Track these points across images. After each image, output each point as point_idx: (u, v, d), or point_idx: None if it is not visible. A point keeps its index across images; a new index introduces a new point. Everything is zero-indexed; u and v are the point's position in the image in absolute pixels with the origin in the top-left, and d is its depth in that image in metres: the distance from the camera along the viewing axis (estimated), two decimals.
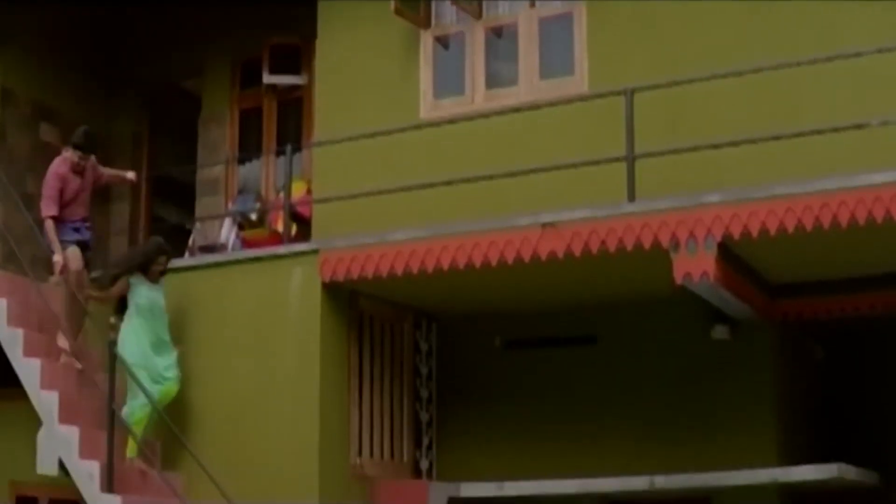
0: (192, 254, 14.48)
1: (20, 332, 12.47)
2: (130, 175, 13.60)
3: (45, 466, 11.84)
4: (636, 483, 11.96)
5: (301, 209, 13.58)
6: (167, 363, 12.14)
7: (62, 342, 12.43)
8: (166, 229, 14.37)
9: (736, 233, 10.40)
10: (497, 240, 11.29)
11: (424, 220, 12.09)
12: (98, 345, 12.61)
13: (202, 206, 15.54)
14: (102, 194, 13.89)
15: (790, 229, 10.19)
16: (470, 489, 12.65)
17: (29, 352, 12.39)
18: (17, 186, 13.95)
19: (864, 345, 14.67)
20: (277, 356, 12.04)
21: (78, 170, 12.74)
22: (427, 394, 13.41)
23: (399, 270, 11.66)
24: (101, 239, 15.00)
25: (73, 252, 12.45)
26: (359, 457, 12.40)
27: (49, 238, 12.46)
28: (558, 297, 12.70)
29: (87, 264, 12.71)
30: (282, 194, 13.62)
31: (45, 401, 12.01)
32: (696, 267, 10.55)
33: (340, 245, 12.03)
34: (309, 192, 13.75)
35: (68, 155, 12.70)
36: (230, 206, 15.08)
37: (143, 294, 12.24)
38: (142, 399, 11.73)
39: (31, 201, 13.38)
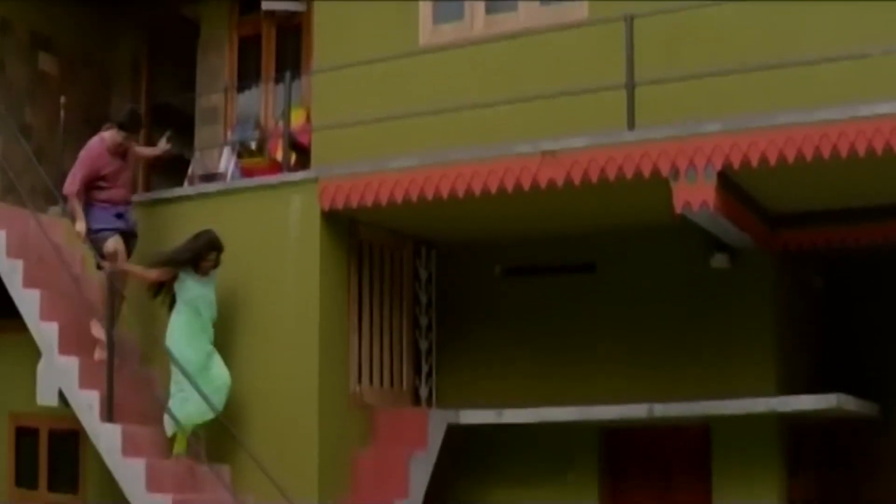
0: (191, 183, 14.46)
1: (19, 263, 12.49)
2: (160, 147, 13.24)
3: (45, 397, 11.91)
4: (635, 411, 11.98)
5: (300, 137, 13.52)
6: (219, 363, 11.89)
7: (97, 332, 12.10)
8: (165, 158, 14.25)
9: (736, 162, 10.35)
10: (496, 168, 11.24)
11: (424, 147, 12.02)
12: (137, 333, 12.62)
13: (201, 135, 15.49)
14: (100, 123, 13.70)
15: (790, 159, 10.13)
16: (469, 417, 12.69)
17: (28, 283, 12.42)
18: (15, 117, 13.90)
19: (864, 276, 14.65)
20: (277, 285, 12.03)
21: (119, 151, 12.38)
22: (426, 322, 13.42)
23: (398, 198, 11.62)
24: None
25: (116, 242, 12.10)
26: (358, 385, 12.43)
27: (71, 209, 12.19)
28: (558, 225, 12.66)
29: (130, 253, 12.38)
30: (281, 122, 13.55)
31: (44, 332, 12.07)
32: (695, 196, 10.50)
33: (340, 173, 11.99)
34: (308, 120, 13.68)
35: (109, 135, 12.35)
36: (229, 134, 15.02)
37: (191, 288, 11.90)
38: (198, 404, 11.43)
39: (30, 132, 13.32)
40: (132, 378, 11.88)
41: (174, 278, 11.95)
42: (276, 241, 12.18)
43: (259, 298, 12.09)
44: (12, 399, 13.28)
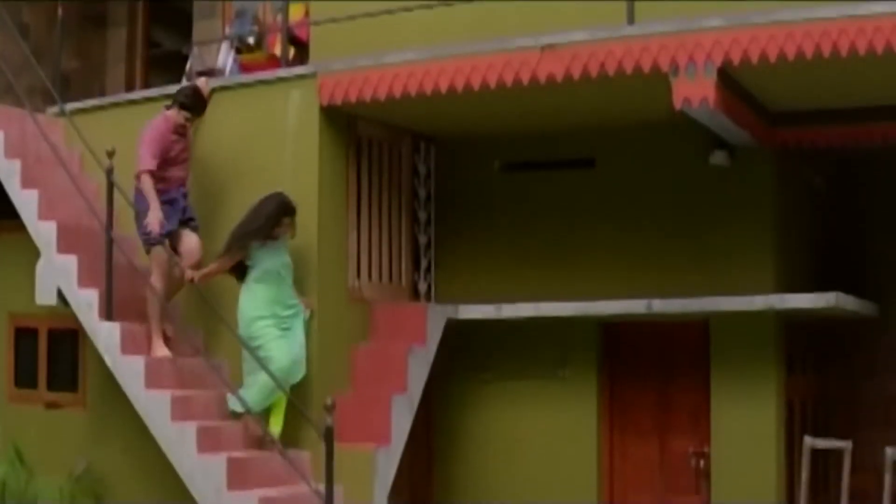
0: (189, 79, 14.33)
1: (17, 163, 12.45)
2: None
3: (44, 296, 11.93)
4: (634, 306, 12.02)
5: (299, 32, 13.42)
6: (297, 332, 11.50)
7: (161, 329, 11.66)
8: (163, 55, 14.14)
9: (735, 58, 10.24)
10: (496, 62, 11.12)
11: (423, 42, 11.88)
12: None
13: (199, 30, 15.35)
14: (97, 20, 13.57)
15: (790, 56, 10.02)
16: (468, 311, 12.74)
17: (26, 183, 12.39)
18: (12, 16, 13.73)
19: (865, 176, 14.60)
20: (275, 181, 11.97)
21: (182, 132, 11.93)
22: (425, 216, 13.40)
23: (397, 93, 11.52)
24: (97, 67, 14.82)
25: (192, 239, 11.72)
26: (357, 280, 12.43)
27: (145, 192, 11.50)
28: (557, 120, 12.57)
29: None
30: (279, 17, 13.41)
31: (43, 231, 12.06)
32: (695, 92, 10.41)
33: (338, 68, 11.87)
34: (307, 14, 13.54)
35: (172, 114, 11.86)
36: (227, 29, 14.89)
37: (266, 257, 11.46)
38: (267, 385, 11.08)
39: (27, 31, 13.17)
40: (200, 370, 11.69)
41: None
42: (275, 137, 12.09)
43: (257, 195, 12.05)
44: (11, 299, 13.27)
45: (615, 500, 12.90)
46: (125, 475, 12.06)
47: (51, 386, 13.20)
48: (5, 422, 13.00)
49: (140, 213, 11.55)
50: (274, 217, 11.43)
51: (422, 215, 13.36)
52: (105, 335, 11.52)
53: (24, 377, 13.40)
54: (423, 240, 13.35)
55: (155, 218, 11.34)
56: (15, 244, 12.78)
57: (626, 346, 12.98)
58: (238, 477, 10.68)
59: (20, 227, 12.34)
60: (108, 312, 11.56)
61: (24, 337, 13.44)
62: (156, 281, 11.52)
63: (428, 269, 13.38)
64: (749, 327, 12.07)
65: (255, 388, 11.18)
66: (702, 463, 12.47)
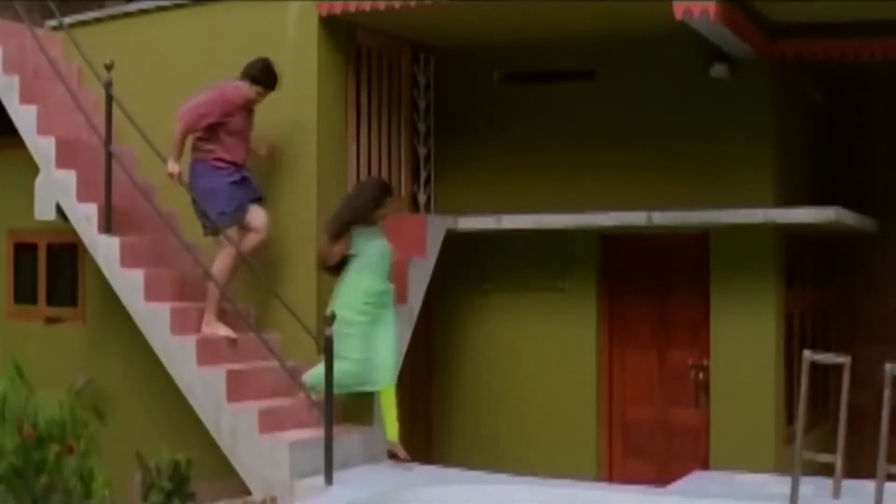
0: None
1: (16, 78, 12.39)
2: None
3: (43, 211, 11.91)
4: (633, 218, 12.00)
5: None
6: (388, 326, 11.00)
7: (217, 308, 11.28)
8: None
9: None
10: None
11: None
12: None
13: None
14: None
15: None
16: (467, 223, 12.71)
17: (25, 98, 12.33)
18: None
19: (866, 93, 14.51)
20: (273, 95, 11.90)
21: (250, 106, 11.43)
22: (425, 128, 13.32)
23: (396, 2, 11.39)
24: None
25: (261, 214, 11.31)
26: None
27: (174, 142, 11.13)
28: (557, 31, 12.45)
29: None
30: None
31: (41, 146, 12.04)
32: (696, 3, 10.31)
33: None
34: None
35: (244, 87, 11.33)
36: None
37: (366, 243, 11.02)
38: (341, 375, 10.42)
39: None
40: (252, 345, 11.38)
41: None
42: (273, 48, 11.90)
43: (256, 109, 12.00)
44: (10, 215, 13.29)
45: (614, 412, 12.99)
46: (125, 389, 12.12)
47: (50, 301, 13.26)
48: (5, 338, 13.05)
49: (205, 194, 11.12)
50: (376, 199, 11.10)
51: (421, 127, 13.28)
52: (104, 249, 11.52)
53: (23, 293, 13.45)
54: (422, 151, 13.29)
55: (174, 170, 11.06)
56: (14, 160, 12.77)
57: (625, 258, 12.99)
58: (237, 389, 10.74)
59: (19, 142, 12.30)
60: (107, 226, 11.54)
61: (23, 253, 13.47)
62: (223, 261, 11.13)
63: (427, 181, 13.33)
64: (749, 241, 12.06)
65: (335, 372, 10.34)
66: (701, 375, 12.53)
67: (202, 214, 11.23)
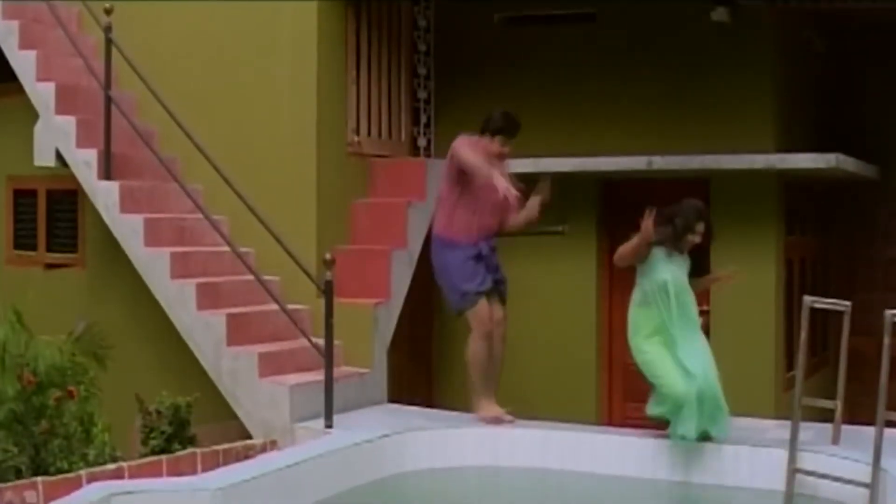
0: None
1: (15, 24, 12.39)
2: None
3: (43, 157, 11.92)
4: (634, 163, 11.99)
5: None
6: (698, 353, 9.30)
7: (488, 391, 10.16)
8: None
9: None
10: None
11: None
12: None
13: None
14: None
15: None
16: None
17: (24, 44, 12.30)
18: None
19: (867, 41, 14.42)
20: (273, 37, 11.87)
21: (496, 162, 10.06)
22: (425, 71, 13.28)
23: None
24: None
25: (484, 306, 10.01)
26: (356, 135, 12.38)
27: (470, 163, 9.86)
28: None
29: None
30: None
31: (41, 92, 12.03)
32: None
33: None
34: None
35: (485, 142, 10.16)
36: None
37: (664, 269, 9.42)
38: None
39: None
40: None
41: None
42: None
43: (256, 52, 11.95)
44: (10, 162, 13.31)
45: (614, 356, 13.00)
46: (125, 334, 12.13)
47: (50, 247, 13.27)
48: (5, 284, 13.06)
49: (447, 271, 10.15)
50: (691, 222, 9.45)
51: (421, 70, 13.24)
52: (104, 194, 11.53)
53: (23, 239, 13.47)
54: (422, 95, 13.26)
55: (501, 182, 9.56)
56: (13, 106, 12.80)
57: (626, 203, 12.91)
58: (237, 332, 10.77)
59: (18, 89, 12.29)
60: (106, 172, 11.55)
61: (22, 199, 13.48)
62: (476, 340, 10.09)
63: (427, 125, 13.30)
64: (749, 187, 12.07)
65: (662, 407, 9.25)
66: (700, 320, 12.50)
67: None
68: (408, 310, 12.08)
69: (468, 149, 9.96)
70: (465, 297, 10.00)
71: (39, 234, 13.32)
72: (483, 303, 10.02)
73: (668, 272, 9.40)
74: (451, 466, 9.53)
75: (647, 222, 9.22)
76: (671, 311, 9.32)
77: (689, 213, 9.45)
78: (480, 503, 9.13)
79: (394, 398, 11.35)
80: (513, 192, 9.59)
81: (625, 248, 9.50)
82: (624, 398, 13.02)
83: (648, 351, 9.29)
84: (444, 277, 10.23)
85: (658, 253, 9.44)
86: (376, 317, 11.43)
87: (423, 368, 13.59)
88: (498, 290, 10.26)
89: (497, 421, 9.85)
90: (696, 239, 9.50)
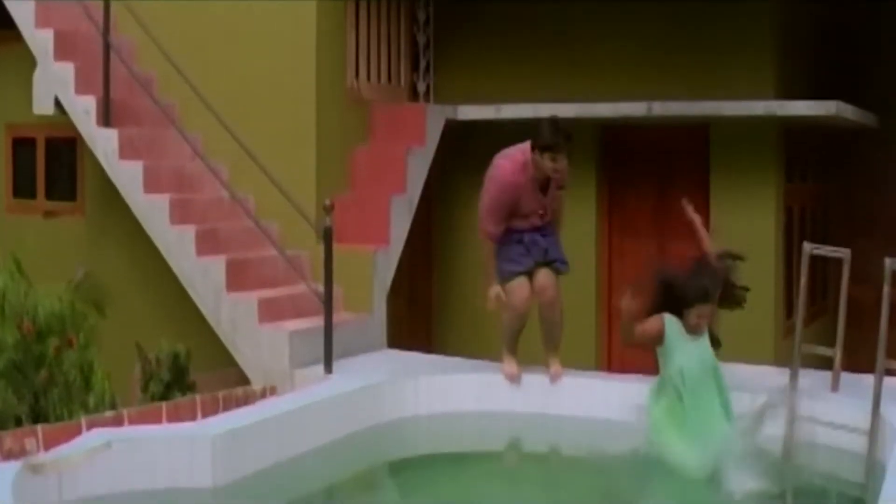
0: None
1: None
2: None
3: (42, 105, 11.86)
4: (633, 108, 11.93)
5: None
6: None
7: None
8: None
9: None
10: None
11: None
12: None
13: None
14: None
15: None
16: (467, 112, 12.67)
17: None
18: None
19: None
20: None
21: (545, 177, 9.46)
22: (424, 16, 13.22)
23: None
24: None
25: (520, 285, 9.56)
26: (356, 80, 12.34)
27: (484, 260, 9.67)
28: None
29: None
30: None
31: (39, 39, 11.96)
32: None
33: None
34: None
35: (528, 158, 9.34)
36: None
37: (681, 349, 7.98)
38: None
39: None
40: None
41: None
42: None
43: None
44: (8, 110, 13.28)
45: (613, 302, 13.01)
46: (125, 282, 12.16)
47: (49, 195, 13.27)
48: (4, 232, 13.07)
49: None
50: (690, 297, 7.91)
51: (421, 15, 13.19)
52: (103, 141, 11.49)
53: (22, 187, 13.46)
54: (422, 40, 13.21)
55: (493, 294, 9.51)
56: (12, 54, 12.76)
57: (626, 149, 12.95)
58: (237, 278, 10.76)
59: (17, 36, 12.22)
60: (105, 119, 11.51)
61: (21, 147, 13.46)
62: (507, 311, 9.71)
63: (427, 70, 13.26)
64: (749, 133, 12.03)
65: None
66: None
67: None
68: (407, 256, 12.07)
69: (489, 209, 9.41)
70: (503, 275, 9.60)
71: (38, 183, 13.31)
72: (519, 282, 9.55)
73: (684, 353, 7.99)
74: (450, 412, 9.55)
75: (627, 302, 8.21)
76: (683, 402, 7.97)
77: (689, 292, 7.92)
78: (480, 448, 9.15)
79: (393, 344, 11.36)
80: (499, 296, 9.44)
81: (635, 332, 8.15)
82: (624, 344, 13.02)
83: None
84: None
85: (672, 327, 7.99)
86: (376, 262, 11.41)
87: (422, 314, 13.61)
88: (549, 265, 9.70)
89: (510, 377, 9.76)
90: (702, 320, 7.99)
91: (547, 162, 9.24)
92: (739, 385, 8.80)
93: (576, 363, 11.14)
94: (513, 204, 9.35)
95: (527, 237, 9.59)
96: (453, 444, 9.30)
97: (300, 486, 8.16)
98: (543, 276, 9.66)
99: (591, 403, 9.36)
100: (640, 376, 9.75)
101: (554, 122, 9.45)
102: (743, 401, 8.23)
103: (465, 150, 13.03)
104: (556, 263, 9.74)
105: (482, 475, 8.52)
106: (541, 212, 9.53)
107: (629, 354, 12.82)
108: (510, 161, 9.41)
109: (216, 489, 7.56)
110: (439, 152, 12.48)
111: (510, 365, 9.83)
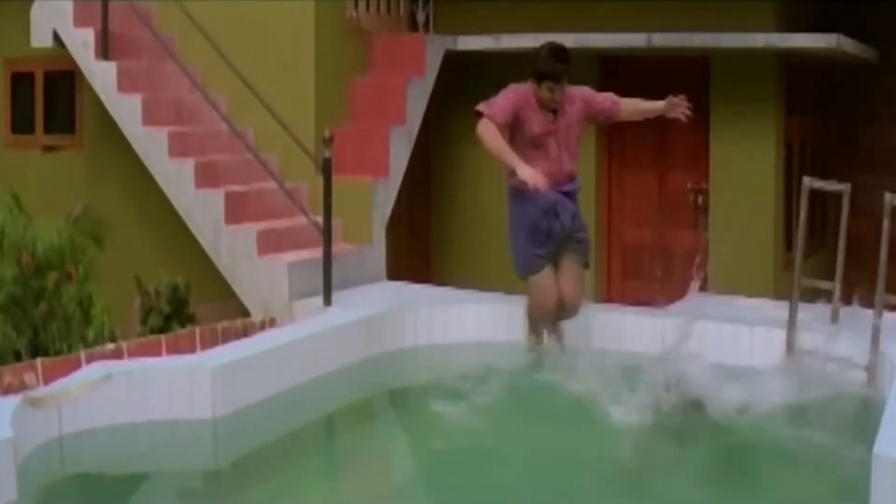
0: None
1: None
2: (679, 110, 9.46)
3: (40, 38, 11.78)
4: (633, 40, 11.87)
5: None
6: None
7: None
8: None
9: None
10: None
11: None
12: None
13: None
14: None
15: None
16: (467, 42, 12.62)
17: None
18: None
19: None
20: None
21: (549, 107, 8.93)
22: None
23: None
24: None
25: (545, 287, 8.93)
26: (355, 10, 12.29)
27: (488, 141, 8.68)
28: None
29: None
30: None
31: None
32: None
33: None
34: None
35: (534, 90, 8.89)
36: None
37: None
38: None
39: None
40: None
41: None
42: None
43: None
44: (6, 45, 13.19)
45: (613, 234, 13.02)
46: (124, 215, 12.16)
47: (48, 129, 13.23)
48: (3, 168, 13.05)
49: (510, 227, 9.10)
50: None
51: None
52: (101, 74, 11.44)
53: (20, 122, 13.42)
54: None
55: (529, 173, 8.35)
56: None
57: (625, 81, 12.81)
58: (236, 210, 10.76)
59: None
60: (104, 51, 11.45)
61: (20, 82, 13.40)
62: (528, 307, 9.21)
63: (426, 0, 13.17)
64: (749, 66, 11.99)
65: None
66: (700, 199, 12.52)
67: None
68: (407, 187, 12.06)
69: (489, 125, 8.71)
70: (524, 260, 9.01)
71: (37, 117, 13.26)
72: (543, 282, 8.96)
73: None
74: (450, 342, 9.58)
75: None
76: None
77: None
78: (480, 379, 9.18)
79: (392, 275, 11.38)
80: (541, 182, 8.33)
81: None
82: (623, 276, 13.05)
83: None
84: (510, 233, 9.16)
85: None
86: (375, 194, 11.41)
87: (421, 245, 13.62)
88: (572, 248, 9.08)
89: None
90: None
91: (545, 92, 8.86)
92: (739, 318, 8.85)
93: None
94: (521, 111, 8.79)
95: (552, 201, 8.78)
96: (453, 374, 9.29)
97: (300, 415, 8.18)
98: (568, 281, 8.98)
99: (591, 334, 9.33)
100: (638, 308, 9.81)
101: (553, 50, 9.05)
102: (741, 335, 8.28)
103: (464, 82, 12.97)
104: (580, 245, 9.05)
105: (483, 406, 8.52)
106: (555, 144, 8.91)
107: (629, 286, 12.88)
108: (516, 86, 8.97)
109: (216, 420, 7.60)
110: (439, 83, 12.43)
111: (534, 337, 9.33)
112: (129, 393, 7.41)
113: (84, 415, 7.15)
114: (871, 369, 8.16)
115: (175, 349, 8.51)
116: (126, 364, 7.86)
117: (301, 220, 10.57)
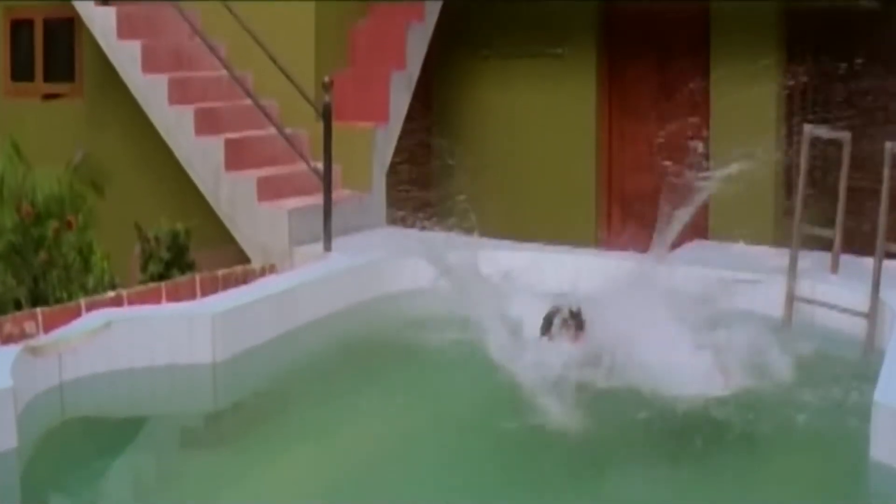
0: None
1: None
2: None
3: None
4: None
5: None
6: None
7: None
8: None
9: None
10: None
11: None
12: None
13: None
14: None
15: None
16: None
17: None
18: None
19: None
20: None
21: None
22: None
23: None
24: None
25: None
26: None
27: None
28: None
29: None
30: None
31: None
32: None
33: None
34: None
35: None
36: None
37: None
38: None
39: None
40: None
41: None
42: None
43: None
44: None
45: (613, 181, 13.00)
46: (124, 162, 12.15)
47: (48, 77, 13.21)
48: (3, 116, 13.02)
49: None
50: None
51: None
52: (101, 21, 11.42)
53: (20, 70, 13.39)
54: None
55: None
56: None
57: (626, 27, 12.81)
58: (236, 157, 10.76)
59: None
60: None
61: (19, 29, 13.37)
62: None
63: None
64: (750, 12, 11.89)
65: None
66: (700, 146, 12.46)
67: None
68: (406, 133, 12.03)
69: None
70: None
71: (37, 65, 13.24)
72: None
73: None
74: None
75: None
76: None
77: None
78: (481, 321, 9.16)
79: (392, 221, 11.38)
80: None
81: None
82: (623, 222, 13.02)
83: None
84: None
85: None
86: (375, 140, 11.39)
87: (421, 191, 13.58)
88: None
89: None
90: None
91: None
92: (739, 265, 8.84)
93: (575, 242, 11.19)
94: None
95: None
96: (455, 317, 9.23)
97: (299, 359, 8.23)
98: None
99: (590, 280, 9.27)
100: (639, 255, 9.79)
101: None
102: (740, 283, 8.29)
103: (465, 27, 12.95)
104: None
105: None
106: None
107: (629, 234, 12.86)
108: None
109: (216, 364, 7.63)
110: (439, 28, 12.36)
111: None
112: (129, 340, 7.43)
113: (84, 361, 7.18)
114: (872, 316, 8.15)
115: (175, 296, 8.52)
116: (126, 311, 7.88)
117: (301, 166, 10.56)
